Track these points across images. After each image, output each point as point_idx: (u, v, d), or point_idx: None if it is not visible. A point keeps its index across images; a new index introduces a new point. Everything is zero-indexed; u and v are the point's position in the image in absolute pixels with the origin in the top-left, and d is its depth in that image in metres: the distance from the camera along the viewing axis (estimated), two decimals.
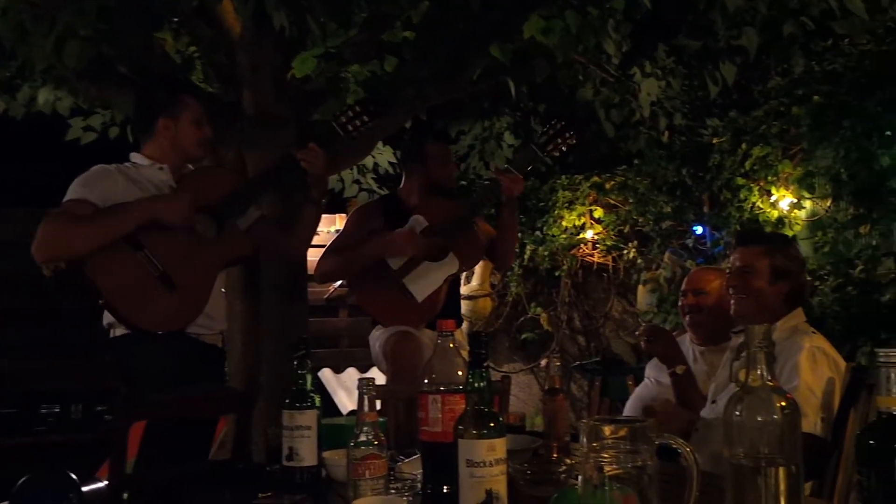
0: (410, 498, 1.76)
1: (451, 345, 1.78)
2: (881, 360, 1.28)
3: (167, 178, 3.00)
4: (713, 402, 2.80)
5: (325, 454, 2.07)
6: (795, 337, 2.59)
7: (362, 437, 1.76)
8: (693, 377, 3.07)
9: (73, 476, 2.24)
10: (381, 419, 1.87)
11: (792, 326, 2.66)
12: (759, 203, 5.32)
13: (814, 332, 2.64)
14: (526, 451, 2.17)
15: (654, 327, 3.40)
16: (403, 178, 3.85)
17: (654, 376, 3.42)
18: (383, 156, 6.25)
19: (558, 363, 2.40)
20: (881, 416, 1.28)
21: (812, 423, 2.40)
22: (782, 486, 1.28)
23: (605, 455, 1.24)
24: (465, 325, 7.24)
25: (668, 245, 6.18)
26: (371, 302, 3.71)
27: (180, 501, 2.21)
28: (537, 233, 7.23)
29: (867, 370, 2.38)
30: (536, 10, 3.47)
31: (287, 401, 2.04)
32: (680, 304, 3.46)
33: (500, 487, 1.50)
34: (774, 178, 5.27)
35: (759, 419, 1.30)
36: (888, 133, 4.58)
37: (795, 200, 5.18)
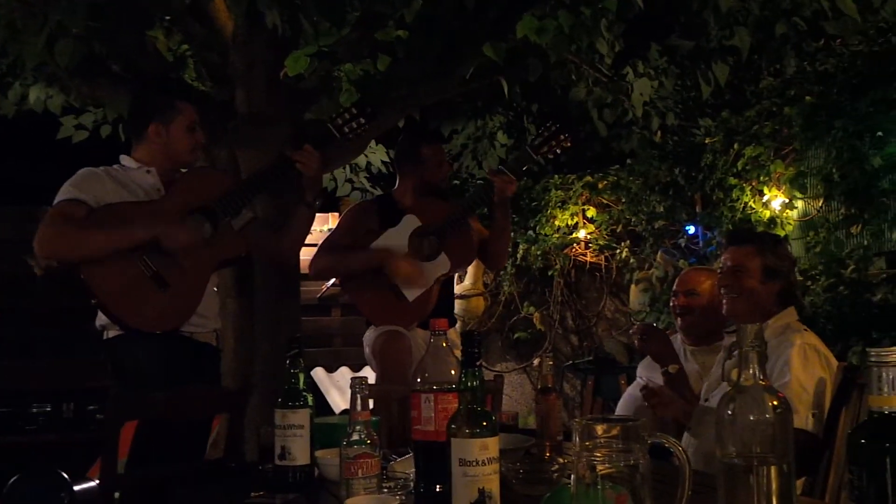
0: (403, 497, 1.76)
1: (444, 344, 1.78)
2: (872, 359, 1.28)
3: (155, 181, 3.00)
4: (705, 401, 2.81)
5: (318, 453, 2.07)
6: (787, 334, 2.60)
7: (355, 436, 1.76)
8: (685, 376, 3.08)
9: (65, 475, 2.24)
10: (373, 418, 1.87)
11: (784, 325, 2.67)
12: (751, 203, 5.34)
13: (805, 330, 2.66)
14: (519, 450, 2.17)
15: (647, 326, 3.41)
16: (398, 179, 3.84)
17: (646, 375, 3.43)
18: (376, 155, 6.25)
19: (551, 362, 2.41)
20: (872, 416, 1.28)
21: (803, 418, 2.41)
22: (774, 486, 1.28)
23: (598, 454, 1.24)
24: (457, 324, 7.23)
25: (660, 245, 6.20)
26: (363, 301, 3.71)
27: (173, 500, 2.20)
28: (530, 232, 7.24)
29: (858, 369, 2.39)
30: (529, 9, 3.47)
31: (280, 400, 2.04)
32: (671, 304, 3.47)
33: (493, 486, 1.50)
34: (766, 178, 5.28)
35: (752, 418, 1.30)
36: (880, 133, 4.60)
37: (787, 200, 5.19)
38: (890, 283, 4.38)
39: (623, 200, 6.65)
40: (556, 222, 7.04)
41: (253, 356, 3.93)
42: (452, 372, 1.72)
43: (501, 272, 7.39)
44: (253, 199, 3.10)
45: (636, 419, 1.28)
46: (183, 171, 3.11)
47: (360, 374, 4.76)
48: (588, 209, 6.89)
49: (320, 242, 3.82)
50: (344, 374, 5.93)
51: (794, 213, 5.21)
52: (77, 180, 2.88)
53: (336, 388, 5.83)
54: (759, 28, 4.08)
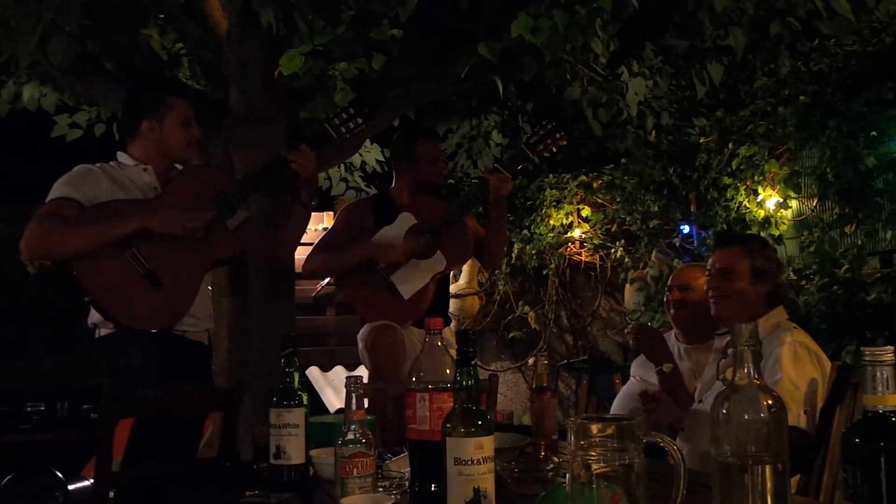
0: (398, 496, 1.76)
1: (439, 343, 1.78)
2: (867, 358, 1.28)
3: (151, 179, 3.00)
4: (699, 401, 2.81)
5: (313, 452, 2.07)
6: (777, 333, 2.61)
7: (350, 436, 1.76)
8: (680, 375, 3.08)
9: (59, 474, 2.24)
10: (368, 417, 1.87)
11: (774, 324, 2.69)
12: (745, 202, 5.34)
13: (795, 328, 2.67)
14: (514, 449, 2.17)
15: (642, 325, 3.41)
16: (394, 177, 3.84)
17: (641, 375, 3.43)
18: (371, 154, 6.24)
19: (546, 361, 2.41)
20: (867, 415, 1.28)
21: (795, 416, 2.42)
22: (769, 485, 1.28)
23: (593, 453, 1.24)
24: (452, 323, 7.24)
25: (655, 244, 6.20)
26: (358, 298, 3.71)
27: (167, 500, 2.20)
28: (525, 231, 7.24)
29: (852, 368, 2.39)
30: (524, 8, 3.47)
31: (274, 399, 2.04)
32: (665, 298, 3.47)
33: (488, 485, 1.50)
34: (761, 178, 5.29)
35: (746, 417, 1.30)
36: (874, 133, 4.61)
37: (782, 200, 5.20)
38: (884, 283, 4.39)
39: (618, 200, 6.66)
40: (551, 221, 7.04)
41: (247, 355, 3.92)
42: (447, 371, 1.72)
43: (496, 271, 7.40)
44: (248, 198, 3.10)
45: (631, 418, 1.28)
46: (179, 168, 3.11)
47: (355, 373, 4.75)
48: (583, 208, 6.90)
49: (316, 242, 3.82)
50: (339, 373, 5.93)
51: (788, 213, 5.22)
52: (71, 178, 2.87)
53: (331, 387, 5.83)
54: (754, 28, 4.08)
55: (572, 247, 7.04)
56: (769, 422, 1.30)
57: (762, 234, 5.17)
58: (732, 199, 5.42)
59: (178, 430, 2.79)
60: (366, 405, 1.84)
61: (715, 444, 1.32)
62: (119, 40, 3.78)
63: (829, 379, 2.46)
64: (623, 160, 6.51)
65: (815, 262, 4.81)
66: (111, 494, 2.23)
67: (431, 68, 4.04)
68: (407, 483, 1.79)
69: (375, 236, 3.61)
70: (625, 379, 3.76)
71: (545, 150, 3.55)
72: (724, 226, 5.43)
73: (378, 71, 4.14)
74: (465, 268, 7.28)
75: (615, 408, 3.52)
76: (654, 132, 5.84)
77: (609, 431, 1.26)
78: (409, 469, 1.79)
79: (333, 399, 5.65)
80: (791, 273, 4.77)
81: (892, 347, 1.28)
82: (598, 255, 6.91)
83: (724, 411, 1.32)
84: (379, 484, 1.80)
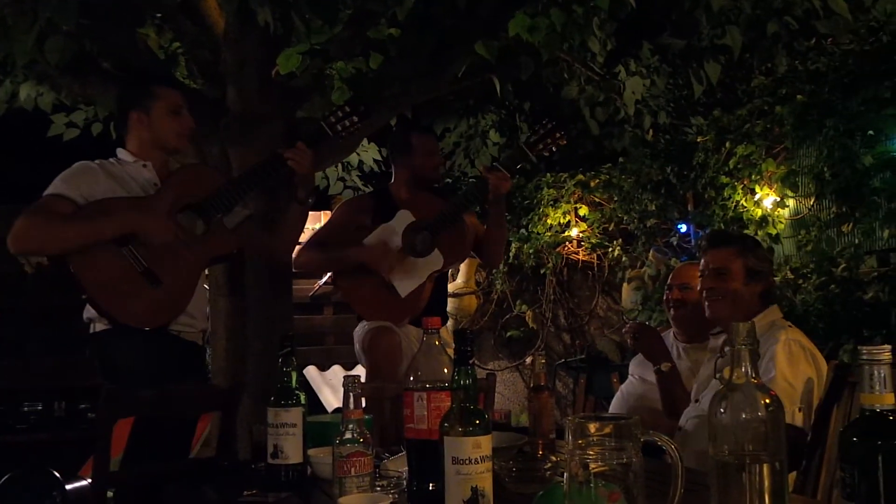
0: (396, 495, 1.76)
1: (437, 342, 1.78)
2: (864, 357, 1.28)
3: (151, 175, 2.99)
4: (696, 400, 2.81)
5: (311, 452, 2.07)
6: (772, 332, 2.62)
7: (348, 435, 1.76)
8: (678, 374, 3.08)
9: (57, 474, 2.23)
10: (366, 417, 1.87)
11: (769, 323, 2.69)
12: (742, 201, 5.35)
13: (790, 326, 2.68)
14: (511, 448, 2.17)
15: (640, 325, 3.41)
16: (393, 173, 3.84)
17: (639, 374, 3.43)
18: (368, 153, 6.24)
19: (543, 361, 2.41)
20: (864, 413, 1.28)
21: (790, 413, 2.42)
22: (767, 483, 1.28)
23: (591, 452, 1.24)
24: (450, 322, 7.24)
25: (652, 243, 6.21)
26: (355, 296, 3.71)
27: (165, 499, 2.20)
28: (522, 230, 7.24)
29: (850, 367, 2.39)
30: (522, 7, 3.48)
31: (272, 398, 2.04)
32: (665, 297, 3.47)
33: (486, 485, 1.50)
34: (758, 177, 5.29)
35: (744, 416, 1.30)
36: (871, 132, 4.61)
37: (779, 199, 5.21)
38: (881, 282, 4.40)
39: (615, 199, 6.66)
40: (549, 221, 7.04)
41: (245, 355, 3.92)
42: (445, 370, 1.72)
43: (494, 270, 7.40)
44: (245, 196, 3.09)
45: (629, 417, 1.28)
46: (177, 165, 3.10)
47: (353, 372, 4.75)
48: (580, 207, 6.90)
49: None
50: (336, 372, 5.93)
51: (785, 212, 5.22)
52: (68, 175, 2.87)
53: (328, 386, 5.83)
54: (751, 27, 4.08)
55: (570, 246, 7.04)
56: (767, 421, 1.30)
57: (759, 233, 5.18)
58: (730, 198, 5.43)
59: (176, 429, 2.78)
60: (363, 404, 1.84)
61: (712, 442, 1.32)
62: (116, 39, 3.78)
63: (825, 377, 2.46)
64: (620, 159, 6.51)
65: (813, 261, 4.82)
66: (109, 494, 2.23)
67: (429, 67, 4.04)
68: (405, 482, 1.79)
69: (373, 234, 3.61)
70: (622, 378, 3.76)
71: (544, 150, 3.55)
72: (722, 225, 5.43)
73: (375, 70, 4.15)
74: (463, 267, 7.29)
75: (613, 407, 3.52)
76: (651, 131, 5.85)
77: (607, 430, 1.26)
78: (406, 468, 1.79)
79: (331, 398, 5.65)
80: (788, 272, 4.77)
81: (889, 346, 1.28)
82: (595, 255, 6.91)
83: (722, 410, 1.32)
84: (377, 483, 1.80)
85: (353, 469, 1.73)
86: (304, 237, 3.74)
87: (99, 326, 2.88)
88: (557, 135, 3.52)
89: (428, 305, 3.58)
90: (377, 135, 5.38)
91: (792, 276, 4.73)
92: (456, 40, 3.91)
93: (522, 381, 7.54)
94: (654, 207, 6.26)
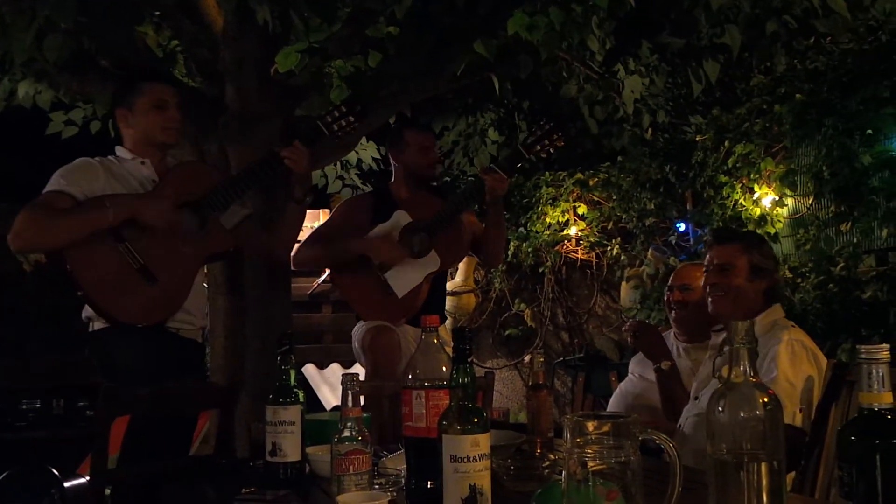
0: (394, 493, 1.76)
1: (435, 340, 1.78)
2: (863, 356, 1.29)
3: (150, 172, 3.00)
4: (696, 398, 2.81)
5: (309, 449, 2.07)
6: (775, 331, 2.61)
7: (346, 433, 1.76)
8: (678, 373, 3.09)
9: (55, 472, 2.23)
10: (365, 415, 1.87)
11: (771, 321, 2.68)
12: (741, 200, 5.35)
13: (793, 326, 2.67)
14: (510, 446, 2.17)
15: (640, 323, 3.41)
16: (393, 171, 3.84)
17: (638, 372, 3.44)
18: (367, 152, 6.24)
19: (542, 359, 2.41)
20: (862, 412, 1.28)
21: (790, 414, 2.42)
22: (765, 482, 1.28)
23: (589, 450, 1.25)
24: (448, 320, 7.24)
25: (651, 242, 6.21)
26: (352, 296, 3.71)
27: (163, 497, 2.20)
28: (521, 229, 7.24)
29: (848, 366, 2.40)
30: (520, 6, 3.47)
31: (270, 396, 2.04)
32: (666, 298, 3.47)
33: (484, 483, 1.50)
34: (757, 176, 5.29)
35: (742, 415, 1.31)
36: (869, 131, 4.61)
37: (777, 198, 5.20)
38: (879, 281, 4.40)
39: (614, 198, 6.66)
40: (547, 219, 7.04)
41: (243, 353, 3.92)
42: (443, 368, 1.72)
43: (492, 269, 7.40)
44: (242, 195, 3.10)
45: (627, 416, 1.28)
46: (172, 160, 3.10)
47: (351, 370, 4.75)
48: (579, 206, 6.90)
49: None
50: (335, 370, 5.93)
51: (784, 211, 5.22)
52: (67, 171, 2.87)
53: (327, 384, 5.83)
54: (750, 26, 4.08)
55: (568, 244, 7.04)
56: (765, 419, 1.30)
57: (758, 231, 5.18)
58: (728, 196, 5.43)
59: (174, 427, 2.78)
60: (362, 403, 1.84)
61: (711, 441, 1.32)
62: (114, 37, 3.77)
63: (824, 376, 2.46)
64: (619, 158, 6.52)
65: (811, 260, 4.82)
66: (107, 492, 2.23)
67: (427, 66, 4.04)
68: (403, 480, 1.79)
69: (370, 233, 3.61)
70: (621, 377, 3.76)
71: (542, 151, 3.54)
72: (720, 223, 5.42)
73: (374, 68, 4.15)
74: (462, 265, 7.29)
75: (611, 405, 3.53)
76: (650, 130, 5.85)
77: (605, 429, 1.26)
78: (405, 466, 1.79)
79: (329, 396, 5.65)
80: (787, 271, 4.77)
81: (887, 345, 1.28)
82: (594, 253, 6.91)
83: (720, 409, 1.32)
84: (375, 481, 1.80)
85: (351, 467, 1.73)
86: (302, 235, 3.74)
87: (97, 325, 2.88)
88: (555, 136, 3.51)
89: (426, 304, 3.58)
90: (376, 133, 5.38)
91: (790, 275, 4.73)
92: (455, 39, 3.91)
93: (521, 380, 7.54)
94: (652, 206, 6.26)
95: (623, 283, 6.36)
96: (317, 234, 3.79)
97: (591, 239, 6.84)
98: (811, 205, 5.04)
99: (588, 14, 3.52)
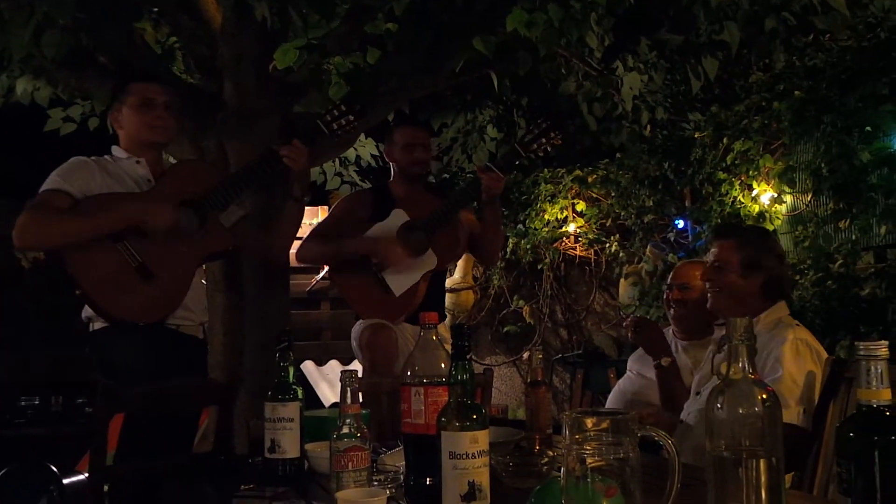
0: (393, 490, 1.76)
1: (434, 337, 1.78)
2: (861, 352, 1.29)
3: (145, 171, 3.00)
4: (697, 394, 2.81)
5: (308, 446, 2.07)
6: (779, 329, 2.60)
7: (345, 430, 1.76)
8: (678, 369, 3.08)
9: (54, 468, 2.23)
10: (363, 411, 1.87)
11: (775, 319, 2.67)
12: (740, 197, 5.35)
13: (797, 325, 2.65)
14: (508, 443, 2.17)
15: (640, 319, 3.41)
16: (391, 169, 3.85)
17: (637, 369, 3.44)
18: (366, 148, 6.24)
19: (540, 356, 2.41)
20: (861, 409, 1.28)
21: (794, 413, 2.41)
22: (763, 478, 1.28)
23: (588, 447, 1.25)
24: (447, 318, 7.24)
25: (649, 238, 6.21)
26: (350, 294, 3.72)
27: (162, 494, 2.20)
28: (520, 226, 7.24)
29: (846, 363, 2.40)
30: (519, 2, 3.47)
31: (269, 393, 2.04)
32: (665, 296, 3.47)
33: (483, 479, 1.50)
34: (755, 173, 5.29)
35: (741, 412, 1.31)
36: (868, 128, 4.61)
37: (776, 195, 5.21)
38: (878, 278, 4.40)
39: (612, 194, 6.66)
40: (546, 216, 7.04)
41: (242, 350, 3.92)
42: (442, 365, 1.72)
43: (491, 266, 7.40)
44: (241, 193, 3.09)
45: (626, 412, 1.28)
46: (171, 160, 3.10)
47: (350, 367, 4.76)
48: (577, 203, 6.90)
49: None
50: (333, 367, 5.94)
51: (782, 208, 5.22)
52: (64, 170, 2.88)
53: (325, 381, 5.84)
54: (749, 23, 4.08)
55: (567, 241, 7.04)
56: (763, 416, 1.30)
57: None
58: (727, 193, 5.43)
59: (173, 424, 2.78)
60: (360, 399, 1.84)
61: (709, 438, 1.32)
62: (113, 34, 3.77)
63: (823, 374, 2.47)
64: (618, 155, 6.52)
65: (810, 257, 4.82)
66: (106, 489, 2.23)
67: (426, 62, 4.03)
68: (402, 477, 1.79)
69: (368, 233, 3.61)
70: (619, 373, 3.77)
71: (539, 150, 3.53)
72: (719, 220, 5.43)
73: (373, 65, 4.14)
74: (460, 262, 7.29)
75: (610, 402, 3.53)
76: (648, 127, 5.85)
77: (604, 425, 1.26)
78: (403, 463, 1.79)
79: (328, 393, 5.66)
80: (784, 267, 4.76)
81: (886, 342, 1.28)
82: (592, 250, 6.91)
83: (719, 405, 1.32)
84: (374, 478, 1.81)
85: (350, 464, 1.73)
86: (301, 233, 3.75)
87: (97, 325, 2.88)
88: (552, 134, 3.50)
89: (425, 302, 3.58)
90: (375, 130, 5.37)
91: (789, 273, 4.73)
92: (453, 35, 3.91)
93: (519, 377, 7.55)
94: (651, 203, 6.26)
95: (622, 280, 6.36)
96: (319, 229, 3.79)
97: (590, 236, 6.85)
98: (810, 202, 5.05)
99: (587, 11, 3.52)
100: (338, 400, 1.84)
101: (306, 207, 3.30)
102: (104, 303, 2.81)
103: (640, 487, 1.25)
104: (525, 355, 7.14)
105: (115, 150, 3.03)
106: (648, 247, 6.08)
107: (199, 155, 3.93)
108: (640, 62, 4.98)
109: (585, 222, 6.88)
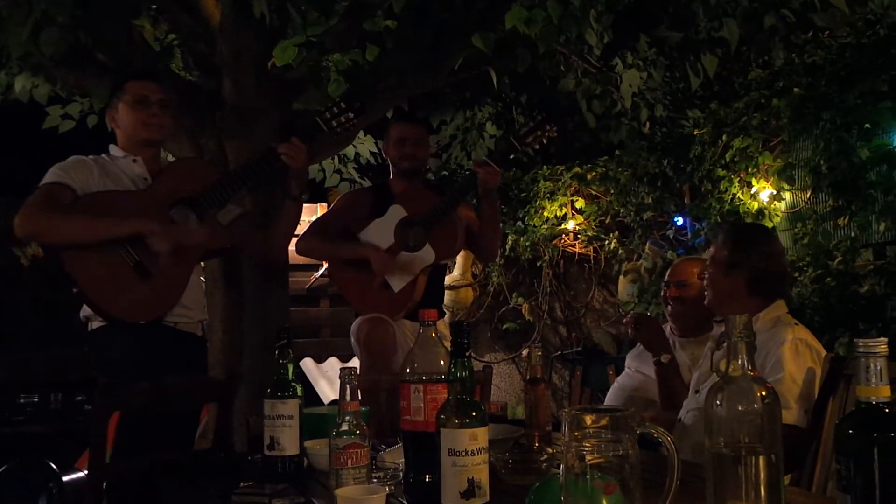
0: (392, 487, 1.76)
1: (434, 334, 1.78)
2: (861, 349, 1.29)
3: (142, 170, 3.00)
4: (696, 392, 2.81)
5: (307, 443, 2.07)
6: (778, 329, 2.60)
7: (344, 427, 1.76)
8: (677, 366, 3.08)
9: (53, 466, 2.23)
10: (363, 409, 1.87)
11: (774, 318, 2.67)
12: (739, 194, 5.34)
13: (796, 324, 2.65)
14: (508, 440, 2.18)
15: (641, 315, 3.41)
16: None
17: (635, 366, 3.44)
18: (365, 146, 6.24)
19: (540, 353, 2.41)
20: (860, 406, 1.28)
21: (795, 415, 2.41)
22: (762, 475, 1.28)
23: (587, 444, 1.25)
24: (446, 315, 7.24)
25: (648, 236, 6.21)
26: (349, 290, 3.72)
27: (162, 491, 2.20)
28: (519, 223, 7.24)
29: (845, 360, 2.40)
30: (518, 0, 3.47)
31: (269, 390, 2.04)
32: (662, 293, 3.47)
33: (482, 476, 1.50)
34: (755, 170, 5.29)
35: (740, 409, 1.31)
36: (867, 126, 4.60)
37: (775, 192, 5.20)
38: (877, 275, 4.39)
39: (612, 191, 6.65)
40: (545, 213, 7.04)
41: (241, 347, 3.92)
42: (441, 362, 1.72)
43: (490, 263, 7.40)
44: (239, 191, 3.09)
45: (625, 409, 1.28)
46: (171, 159, 3.10)
47: (349, 364, 4.75)
48: (577, 200, 6.89)
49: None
50: (333, 364, 5.93)
51: (781, 205, 5.22)
52: (65, 165, 2.88)
53: (325, 378, 5.84)
54: (748, 20, 4.08)
55: (566, 238, 7.04)
56: (763, 413, 1.30)
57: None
58: (726, 191, 5.42)
59: (174, 421, 2.78)
60: (360, 396, 1.84)
61: (709, 435, 1.32)
62: (111, 31, 3.76)
63: (822, 371, 2.47)
64: (617, 152, 6.52)
65: (809, 254, 4.81)
66: (105, 486, 2.23)
67: (425, 60, 4.03)
68: (401, 474, 1.79)
69: (367, 229, 3.62)
70: (618, 370, 3.76)
71: (535, 143, 3.54)
72: (718, 218, 5.43)
73: (372, 62, 4.14)
74: (459, 259, 7.29)
75: (609, 399, 3.53)
76: (648, 124, 5.85)
77: (603, 422, 1.26)
78: (403, 460, 1.80)
79: (327, 390, 5.65)
80: (776, 265, 4.76)
81: (885, 339, 1.28)
82: (591, 247, 6.91)
83: (718, 403, 1.32)
84: (373, 475, 1.81)
85: (349, 461, 1.74)
86: (300, 231, 3.75)
87: (95, 324, 2.88)
88: (548, 127, 3.51)
89: (424, 299, 3.58)
90: (374, 127, 5.37)
91: (784, 270, 4.73)
92: (453, 33, 3.90)
93: (519, 374, 7.55)
94: (650, 200, 6.26)
95: (621, 277, 6.36)
96: (318, 224, 3.80)
97: (589, 233, 6.84)
98: (809, 199, 5.04)
99: (586, 8, 3.51)
100: (337, 397, 1.84)
101: (305, 205, 3.30)
102: (102, 301, 2.81)
103: (639, 484, 1.25)
104: (524, 352, 7.15)
105: (113, 148, 3.03)
106: (647, 244, 6.08)
107: (198, 153, 3.93)
108: (640, 59, 4.97)
109: (584, 219, 6.88)
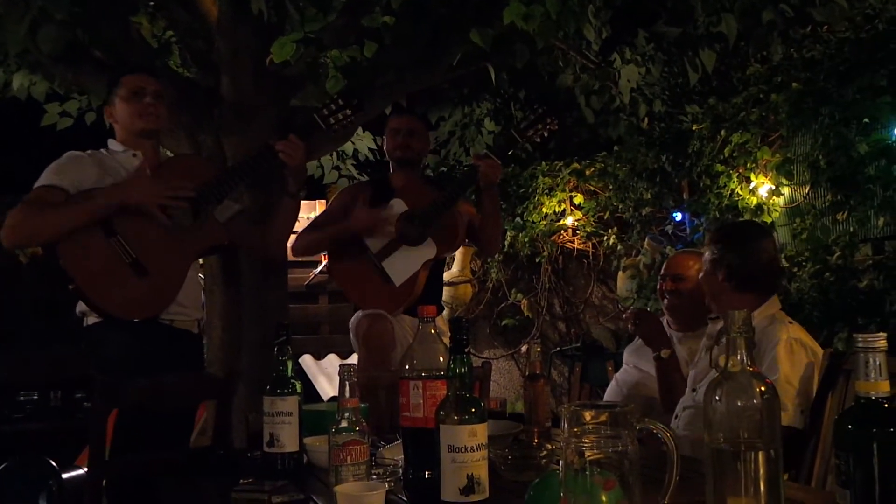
0: (392, 483, 1.77)
1: (433, 331, 1.78)
2: (860, 345, 1.29)
3: (141, 164, 2.99)
4: (693, 390, 2.81)
5: (307, 440, 2.07)
6: (773, 327, 2.60)
7: (343, 423, 1.76)
8: (677, 361, 3.08)
9: (53, 463, 2.23)
10: (362, 405, 1.87)
11: (769, 315, 2.67)
12: (737, 190, 5.35)
13: (790, 322, 2.65)
14: (507, 436, 2.18)
15: (641, 310, 3.41)
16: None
17: (633, 362, 3.44)
18: (363, 142, 6.23)
19: (539, 349, 2.42)
20: (859, 401, 1.28)
21: (792, 416, 2.41)
22: (762, 471, 1.28)
23: (586, 440, 1.24)
24: (445, 311, 7.25)
25: (647, 231, 6.21)
26: (349, 285, 3.72)
27: (161, 488, 2.20)
28: (517, 219, 7.24)
29: (844, 355, 2.40)
30: None
31: (268, 387, 2.04)
32: (659, 287, 3.47)
33: (482, 472, 1.50)
34: (753, 165, 5.29)
35: (739, 404, 1.31)
36: (866, 120, 4.60)
37: (774, 187, 5.21)
38: (876, 270, 4.40)
39: (610, 187, 6.66)
40: (544, 209, 7.04)
41: (240, 344, 3.92)
42: (441, 359, 1.72)
43: (489, 259, 7.41)
44: (236, 188, 3.09)
45: (624, 405, 1.28)
46: (168, 153, 3.10)
47: (348, 361, 4.75)
48: (575, 196, 6.90)
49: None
50: (332, 361, 5.93)
51: (780, 200, 5.22)
52: (58, 165, 2.87)
53: (324, 375, 5.84)
54: (746, 15, 4.07)
55: (565, 234, 7.05)
56: (762, 408, 1.30)
57: (754, 220, 5.18)
58: (725, 186, 5.43)
59: (170, 419, 2.78)
60: (359, 393, 1.84)
61: (708, 430, 1.32)
62: (109, 29, 3.75)
63: (820, 366, 2.47)
64: (615, 147, 6.52)
65: (808, 249, 4.82)
66: (104, 483, 2.23)
67: (424, 56, 4.02)
68: (400, 470, 1.79)
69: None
70: (617, 366, 3.76)
71: (535, 136, 3.53)
72: (717, 213, 5.43)
73: (370, 58, 4.13)
74: (458, 255, 7.29)
75: (608, 395, 3.53)
76: (646, 119, 5.84)
77: (602, 418, 1.26)
78: (402, 456, 1.80)
79: (327, 387, 5.65)
80: (783, 260, 4.77)
81: (884, 334, 1.28)
82: (590, 243, 6.91)
83: (717, 398, 1.32)
84: (372, 471, 1.81)
85: (348, 457, 1.74)
86: (298, 228, 3.74)
87: (91, 320, 2.87)
88: (549, 120, 3.50)
89: (423, 294, 3.58)
90: (372, 123, 5.36)
91: (787, 265, 4.74)
92: (451, 28, 3.90)
93: (518, 370, 7.55)
94: (649, 196, 6.26)
95: (619, 273, 6.37)
96: (316, 222, 3.81)
97: (588, 229, 6.85)
98: (807, 194, 5.04)
99: (584, 3, 3.51)
100: (336, 394, 1.84)
101: (304, 202, 3.30)
102: (97, 298, 2.81)
103: (638, 480, 1.25)
104: (523, 348, 7.14)
105: (112, 143, 3.03)
106: (646, 239, 6.09)
107: (196, 149, 3.92)
108: (638, 54, 4.97)
109: (583, 215, 6.88)
